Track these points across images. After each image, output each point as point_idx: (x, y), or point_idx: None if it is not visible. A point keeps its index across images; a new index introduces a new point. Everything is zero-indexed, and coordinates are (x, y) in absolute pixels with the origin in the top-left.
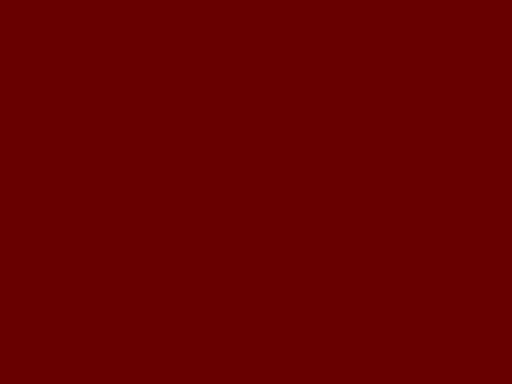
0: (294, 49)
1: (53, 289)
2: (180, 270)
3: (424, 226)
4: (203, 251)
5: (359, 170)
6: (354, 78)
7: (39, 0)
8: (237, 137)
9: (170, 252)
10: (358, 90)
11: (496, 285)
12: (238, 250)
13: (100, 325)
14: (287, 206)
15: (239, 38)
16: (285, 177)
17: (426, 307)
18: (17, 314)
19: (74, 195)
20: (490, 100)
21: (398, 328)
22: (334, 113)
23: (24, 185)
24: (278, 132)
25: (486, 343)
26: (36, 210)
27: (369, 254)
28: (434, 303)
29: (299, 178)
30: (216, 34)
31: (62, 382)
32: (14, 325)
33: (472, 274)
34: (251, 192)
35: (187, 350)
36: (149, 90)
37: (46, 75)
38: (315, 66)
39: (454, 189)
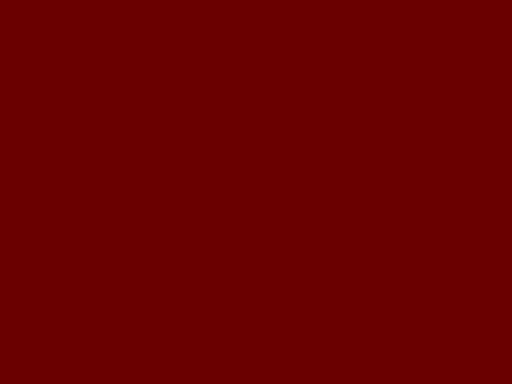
0: (293, 49)
1: (53, 289)
2: (180, 270)
3: (424, 227)
4: (203, 251)
5: (359, 170)
6: (354, 79)
7: (39, 0)
8: (236, 137)
9: (169, 252)
10: (358, 90)
11: (496, 285)
12: (238, 251)
13: (99, 325)
14: (286, 206)
15: (239, 38)
16: (284, 177)
17: (426, 307)
18: (17, 314)
19: (73, 195)
20: (490, 100)
21: (398, 328)
22: (334, 113)
23: (24, 185)
24: (278, 132)
25: (486, 343)
26: (36, 210)
27: (369, 255)
28: (434, 303)
29: (299, 179)
30: (216, 34)
31: (62, 382)
32: (14, 325)
33: (472, 274)
34: (251, 192)
35: (187, 350)
36: (149, 90)
37: (45, 75)
38: (315, 66)
39: (453, 189)
